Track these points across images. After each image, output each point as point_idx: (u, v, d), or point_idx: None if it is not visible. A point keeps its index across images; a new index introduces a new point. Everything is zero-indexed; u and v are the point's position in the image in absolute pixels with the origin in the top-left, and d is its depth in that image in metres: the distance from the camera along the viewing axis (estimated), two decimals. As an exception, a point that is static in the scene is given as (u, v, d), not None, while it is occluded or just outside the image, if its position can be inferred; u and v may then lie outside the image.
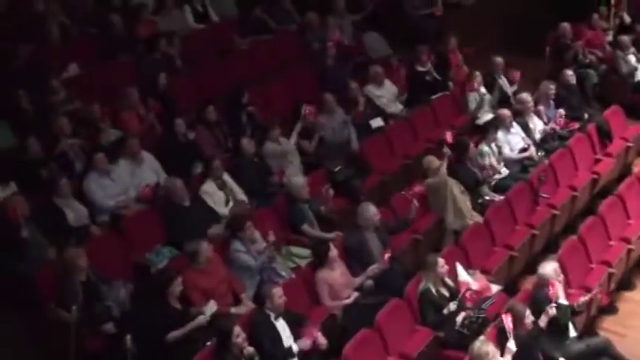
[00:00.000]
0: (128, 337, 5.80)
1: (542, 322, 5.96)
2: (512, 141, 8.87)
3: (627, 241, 7.42)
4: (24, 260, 6.73)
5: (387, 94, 9.77)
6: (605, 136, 9.31)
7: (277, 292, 6.03)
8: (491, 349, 5.55)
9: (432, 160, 8.06)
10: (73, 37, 10.20)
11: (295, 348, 5.92)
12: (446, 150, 8.17)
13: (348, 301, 6.60)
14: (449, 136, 8.33)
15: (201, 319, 6.10)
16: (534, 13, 12.56)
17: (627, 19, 11.74)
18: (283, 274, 6.94)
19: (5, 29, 9.76)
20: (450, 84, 10.25)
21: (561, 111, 9.38)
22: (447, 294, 6.51)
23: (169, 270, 6.59)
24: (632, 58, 10.75)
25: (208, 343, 5.93)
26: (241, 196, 7.76)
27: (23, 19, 10.13)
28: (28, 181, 7.39)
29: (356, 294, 6.69)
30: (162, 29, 10.31)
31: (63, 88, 8.66)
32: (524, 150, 8.85)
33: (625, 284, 7.47)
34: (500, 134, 8.82)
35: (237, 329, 5.67)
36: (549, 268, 6.37)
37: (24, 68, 8.91)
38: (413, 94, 10.08)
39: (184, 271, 6.38)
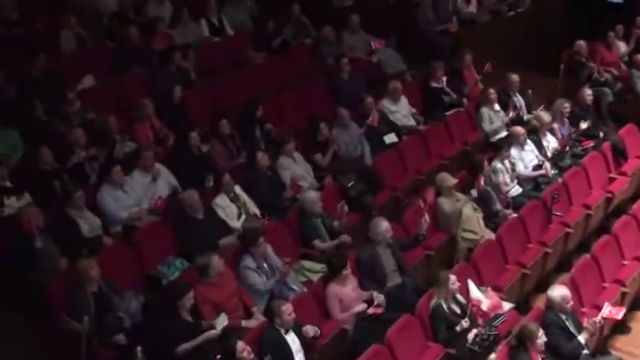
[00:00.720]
0: (139, 348, 5.86)
1: None
2: (526, 158, 8.93)
3: (641, 260, 7.59)
4: (37, 270, 6.84)
5: (402, 109, 9.91)
6: (620, 154, 9.37)
7: (287, 309, 6.08)
8: (503, 367, 5.72)
9: (446, 178, 8.14)
10: (89, 48, 10.36)
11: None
12: (474, 192, 8.22)
13: (358, 308, 6.56)
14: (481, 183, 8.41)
15: (212, 333, 6.16)
16: (549, 30, 12.70)
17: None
18: (295, 288, 7.01)
19: (20, 38, 9.94)
20: (465, 100, 10.35)
21: (583, 125, 9.52)
22: (458, 311, 6.57)
23: (181, 282, 6.68)
24: (647, 78, 11.10)
25: (219, 357, 5.97)
26: (254, 209, 7.86)
27: (37, 28, 10.34)
28: (42, 191, 7.47)
29: (365, 305, 6.72)
30: (178, 42, 10.49)
31: (78, 100, 8.81)
32: (538, 167, 8.93)
33: (638, 304, 7.45)
34: (513, 151, 8.91)
35: (240, 344, 5.74)
36: (557, 293, 6.38)
37: (40, 77, 9.01)
38: (427, 110, 10.27)
39: (195, 285, 6.45)
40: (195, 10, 11.15)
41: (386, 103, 9.73)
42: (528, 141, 9.11)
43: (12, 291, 7.16)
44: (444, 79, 10.28)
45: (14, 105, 8.51)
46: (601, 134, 9.73)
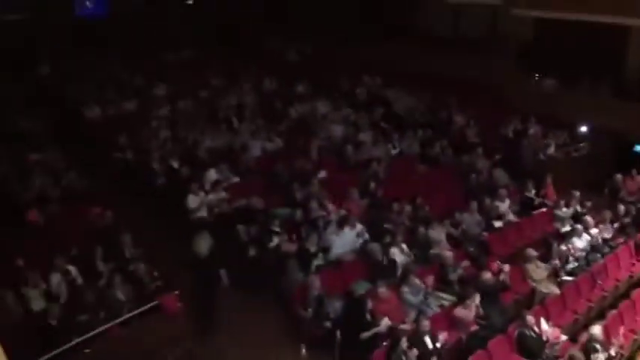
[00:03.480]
0: (338, 331, 8.61)
1: None
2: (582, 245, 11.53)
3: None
4: (287, 279, 10.22)
5: (505, 207, 12.99)
6: (638, 249, 12.01)
7: (426, 321, 8.57)
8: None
9: (530, 251, 10.80)
10: (324, 155, 14.40)
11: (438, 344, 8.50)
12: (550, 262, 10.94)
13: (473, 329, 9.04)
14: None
15: (380, 328, 8.87)
16: (599, 164, 15.65)
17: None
18: (434, 308, 9.50)
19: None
20: (547, 203, 13.43)
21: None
22: (534, 336, 8.78)
23: (365, 296, 9.30)
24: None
25: (384, 343, 8.48)
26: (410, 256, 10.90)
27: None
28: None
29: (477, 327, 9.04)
30: (375, 155, 14.25)
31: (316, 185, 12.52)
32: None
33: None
34: (574, 239, 11.57)
35: (403, 338, 8.15)
36: (596, 329, 8.63)
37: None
38: (522, 208, 13.28)
39: (374, 299, 9.09)
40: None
41: (497, 203, 12.89)
42: (584, 234, 11.75)
43: (272, 291, 10.35)
44: (533, 191, 13.40)
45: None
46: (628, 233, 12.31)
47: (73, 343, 8.24)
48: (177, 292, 9.51)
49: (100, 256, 9.93)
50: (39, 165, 12.85)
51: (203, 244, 9.73)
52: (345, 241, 11.18)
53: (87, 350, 8.32)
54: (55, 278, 9.44)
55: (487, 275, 9.78)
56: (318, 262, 10.63)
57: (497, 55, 19.69)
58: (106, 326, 8.68)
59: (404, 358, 8.09)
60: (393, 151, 15.56)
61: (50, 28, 19.68)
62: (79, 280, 9.59)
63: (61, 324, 8.57)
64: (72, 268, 9.70)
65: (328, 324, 9.16)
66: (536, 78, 19.34)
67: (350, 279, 10.33)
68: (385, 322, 8.89)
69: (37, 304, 9.12)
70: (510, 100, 18.32)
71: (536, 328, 8.84)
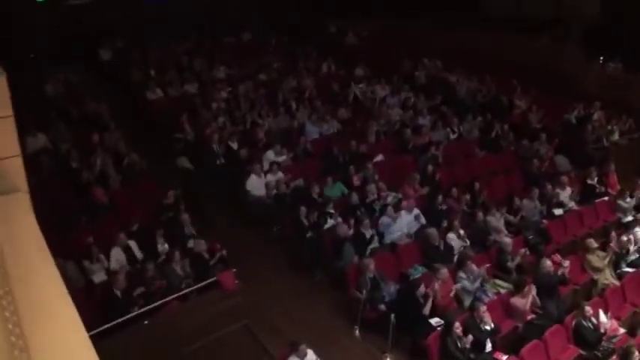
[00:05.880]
0: (392, 315, 8.49)
1: None
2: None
3: None
4: (341, 260, 10.36)
5: (566, 194, 12.70)
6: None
7: (482, 308, 8.54)
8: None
9: (591, 242, 10.55)
10: (382, 139, 14.52)
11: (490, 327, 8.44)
12: (610, 252, 10.54)
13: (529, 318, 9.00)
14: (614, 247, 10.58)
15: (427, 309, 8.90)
16: None
17: None
18: (490, 295, 9.49)
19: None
20: (610, 192, 13.11)
21: None
22: (591, 327, 8.75)
23: (420, 280, 9.35)
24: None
25: (439, 328, 8.61)
26: (467, 242, 10.89)
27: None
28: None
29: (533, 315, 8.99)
30: (434, 139, 14.22)
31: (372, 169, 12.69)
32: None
33: None
34: (636, 229, 11.14)
35: (457, 324, 8.16)
36: None
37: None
38: (583, 197, 12.91)
39: (429, 282, 9.19)
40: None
41: (558, 190, 12.56)
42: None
43: (325, 272, 10.59)
44: (596, 178, 13.04)
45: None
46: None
47: (133, 314, 8.64)
48: (234, 270, 9.78)
49: (160, 233, 10.24)
50: (101, 145, 13.20)
51: (186, 161, 12.85)
52: (401, 224, 11.22)
53: (146, 322, 8.68)
54: (116, 253, 9.76)
55: (547, 262, 9.65)
56: (373, 245, 10.71)
57: (561, 37, 19.34)
58: (164, 300, 9.03)
59: (458, 343, 8.11)
60: (452, 136, 15.42)
61: (114, 13, 19.99)
62: (140, 256, 9.91)
63: (122, 296, 8.91)
64: (133, 244, 10.02)
65: (383, 307, 9.18)
66: (601, 61, 18.82)
67: (405, 263, 10.38)
68: (429, 305, 9.01)
69: (99, 276, 9.47)
70: (574, 84, 17.85)
71: (594, 320, 8.74)
